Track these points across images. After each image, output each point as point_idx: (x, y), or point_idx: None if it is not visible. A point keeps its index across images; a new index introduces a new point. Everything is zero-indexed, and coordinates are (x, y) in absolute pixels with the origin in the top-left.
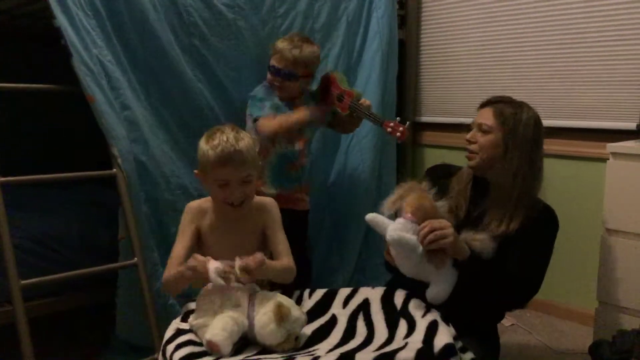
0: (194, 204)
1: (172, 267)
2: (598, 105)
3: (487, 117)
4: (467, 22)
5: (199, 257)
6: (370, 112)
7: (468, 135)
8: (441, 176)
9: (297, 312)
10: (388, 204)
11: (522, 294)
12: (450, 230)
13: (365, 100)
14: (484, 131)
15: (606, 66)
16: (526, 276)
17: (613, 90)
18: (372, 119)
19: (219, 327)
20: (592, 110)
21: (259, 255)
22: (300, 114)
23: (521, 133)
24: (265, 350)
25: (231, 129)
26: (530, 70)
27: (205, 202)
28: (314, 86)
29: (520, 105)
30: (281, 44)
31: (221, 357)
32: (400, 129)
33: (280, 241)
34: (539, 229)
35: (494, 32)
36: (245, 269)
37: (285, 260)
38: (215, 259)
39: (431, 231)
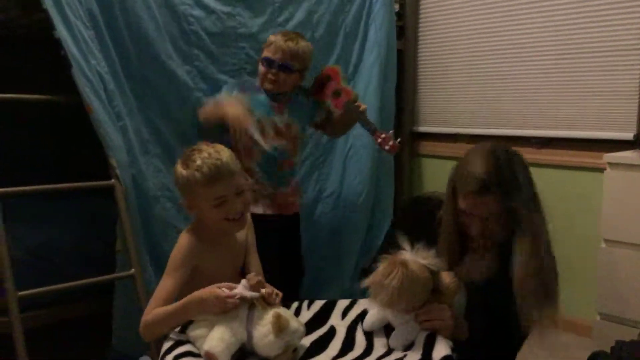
0: (189, 241)
1: (158, 306)
2: (595, 115)
3: (492, 206)
4: (465, 33)
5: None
6: (365, 117)
7: (475, 232)
8: (425, 224)
9: (295, 324)
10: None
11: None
12: (447, 322)
13: (361, 104)
14: (493, 216)
15: (603, 77)
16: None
17: (610, 101)
18: (365, 124)
19: (217, 338)
20: (589, 120)
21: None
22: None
23: (528, 187)
24: None
25: (205, 145)
26: (528, 80)
27: (194, 234)
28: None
29: (501, 158)
30: (275, 37)
31: None
32: (390, 142)
33: (256, 261)
34: None
35: (492, 43)
36: (269, 301)
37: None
38: (207, 285)
39: (428, 319)
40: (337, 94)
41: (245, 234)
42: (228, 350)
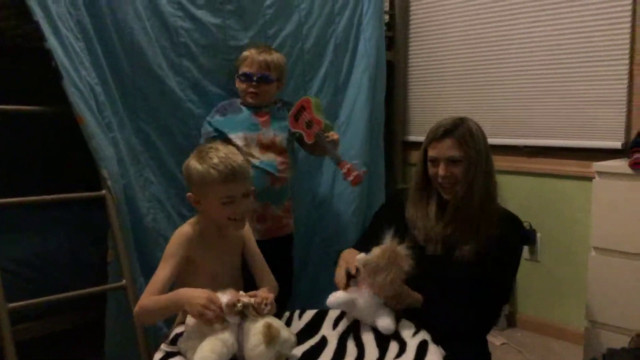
0: (185, 231)
1: (152, 293)
2: (584, 124)
3: (454, 148)
4: (454, 43)
5: (213, 296)
6: (331, 148)
7: (442, 172)
8: (399, 212)
9: (286, 334)
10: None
11: (494, 312)
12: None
13: (333, 134)
14: (455, 161)
15: (592, 86)
16: (498, 299)
17: (599, 110)
18: (330, 155)
19: (208, 350)
20: (578, 129)
21: (270, 295)
22: None
23: (483, 150)
24: None
25: (220, 145)
26: (517, 90)
27: (192, 227)
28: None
29: (466, 122)
30: (248, 52)
31: None
32: (354, 173)
33: (260, 259)
34: (506, 246)
35: (481, 53)
36: (259, 310)
37: (271, 279)
38: (208, 281)
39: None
40: (309, 125)
41: (241, 234)
42: None
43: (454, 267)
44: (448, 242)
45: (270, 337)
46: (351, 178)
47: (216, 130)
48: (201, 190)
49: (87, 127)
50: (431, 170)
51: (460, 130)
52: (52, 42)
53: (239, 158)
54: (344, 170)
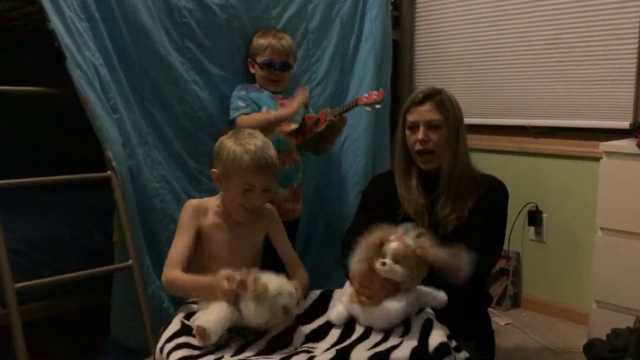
0: (194, 202)
1: (176, 263)
2: (591, 104)
3: (433, 112)
4: (461, 23)
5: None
6: (342, 108)
7: (420, 136)
8: (388, 189)
9: (274, 285)
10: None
11: (487, 267)
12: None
13: (326, 110)
14: (435, 127)
15: (599, 65)
16: (490, 252)
17: (606, 90)
18: (348, 108)
19: (207, 313)
20: (585, 109)
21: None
22: (280, 111)
23: (459, 116)
24: (265, 350)
25: (258, 133)
26: (524, 70)
27: (205, 201)
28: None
29: (444, 91)
30: (265, 40)
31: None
32: (375, 92)
33: (289, 250)
34: (492, 205)
35: (488, 33)
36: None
37: (301, 272)
38: (216, 261)
39: None
40: (316, 123)
41: (264, 225)
42: (219, 324)
43: (444, 239)
44: (435, 214)
45: (257, 292)
46: (375, 97)
47: (254, 102)
48: (227, 170)
49: (91, 108)
50: (410, 138)
51: (439, 96)
52: (55, 22)
53: (273, 153)
54: (365, 100)
